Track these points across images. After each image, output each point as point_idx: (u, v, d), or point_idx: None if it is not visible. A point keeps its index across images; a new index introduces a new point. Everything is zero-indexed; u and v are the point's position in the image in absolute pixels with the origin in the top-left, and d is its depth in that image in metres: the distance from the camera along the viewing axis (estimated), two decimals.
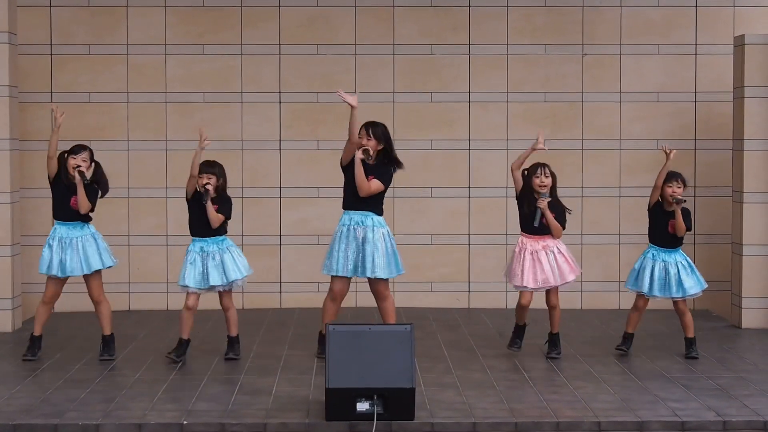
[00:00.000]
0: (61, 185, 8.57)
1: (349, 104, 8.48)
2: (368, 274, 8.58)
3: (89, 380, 7.98)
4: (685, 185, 8.76)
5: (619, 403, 7.35)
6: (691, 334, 8.85)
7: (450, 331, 9.95)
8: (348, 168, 8.64)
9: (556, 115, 11.19)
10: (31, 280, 10.44)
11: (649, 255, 8.85)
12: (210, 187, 8.52)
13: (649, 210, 8.90)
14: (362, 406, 6.84)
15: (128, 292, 11.01)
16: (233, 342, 8.76)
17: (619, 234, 11.15)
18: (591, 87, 11.18)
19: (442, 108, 11.17)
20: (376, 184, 8.58)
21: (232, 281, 8.61)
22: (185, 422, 6.89)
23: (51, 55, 11.00)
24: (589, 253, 11.14)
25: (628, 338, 8.92)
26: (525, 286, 8.70)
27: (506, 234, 10.93)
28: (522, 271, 8.70)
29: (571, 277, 8.75)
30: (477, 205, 11.11)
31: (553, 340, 8.86)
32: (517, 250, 8.80)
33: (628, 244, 10.96)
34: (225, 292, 8.66)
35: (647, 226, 8.91)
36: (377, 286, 8.69)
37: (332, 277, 8.66)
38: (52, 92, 10.97)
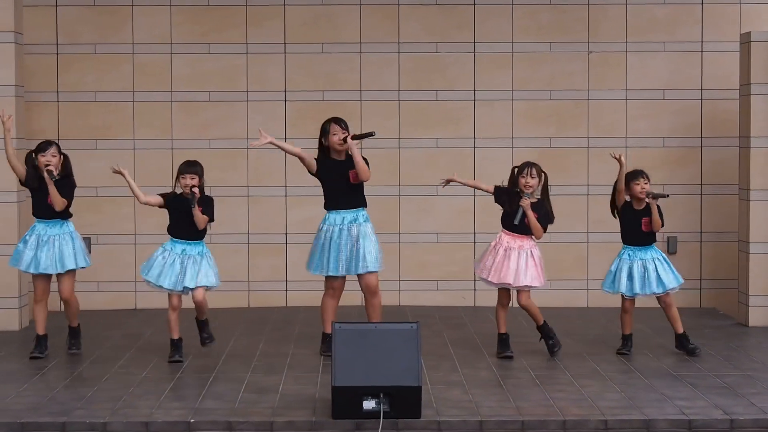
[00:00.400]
0: (35, 184, 8.54)
1: (268, 144, 8.66)
2: (360, 271, 8.60)
3: (96, 378, 7.98)
4: (649, 180, 8.73)
5: (626, 402, 7.34)
6: (680, 330, 8.81)
7: (456, 329, 9.95)
8: (324, 173, 8.67)
9: (562, 113, 11.18)
10: None
11: (625, 255, 8.80)
12: (196, 190, 8.42)
13: (618, 214, 8.84)
14: (368, 404, 6.83)
15: (134, 291, 11.02)
16: (203, 325, 8.70)
17: None
18: (596, 85, 11.17)
19: (447, 106, 11.16)
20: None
21: (197, 287, 8.46)
22: (192, 420, 6.89)
23: (57, 54, 11.01)
24: (595, 251, 11.13)
25: (627, 339, 8.88)
26: (489, 281, 8.67)
27: None
28: (491, 264, 8.66)
29: (532, 283, 8.59)
30: (483, 204, 11.08)
31: (544, 332, 8.77)
32: (493, 243, 8.75)
33: None
34: (196, 291, 8.51)
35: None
36: (370, 280, 8.69)
37: (328, 275, 8.68)
38: (57, 92, 10.98)
